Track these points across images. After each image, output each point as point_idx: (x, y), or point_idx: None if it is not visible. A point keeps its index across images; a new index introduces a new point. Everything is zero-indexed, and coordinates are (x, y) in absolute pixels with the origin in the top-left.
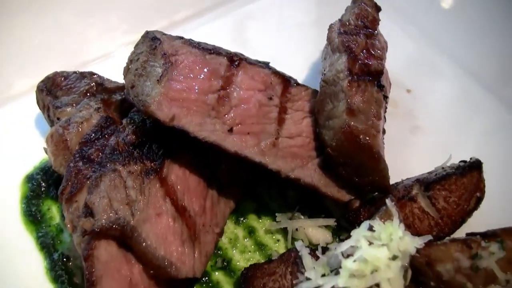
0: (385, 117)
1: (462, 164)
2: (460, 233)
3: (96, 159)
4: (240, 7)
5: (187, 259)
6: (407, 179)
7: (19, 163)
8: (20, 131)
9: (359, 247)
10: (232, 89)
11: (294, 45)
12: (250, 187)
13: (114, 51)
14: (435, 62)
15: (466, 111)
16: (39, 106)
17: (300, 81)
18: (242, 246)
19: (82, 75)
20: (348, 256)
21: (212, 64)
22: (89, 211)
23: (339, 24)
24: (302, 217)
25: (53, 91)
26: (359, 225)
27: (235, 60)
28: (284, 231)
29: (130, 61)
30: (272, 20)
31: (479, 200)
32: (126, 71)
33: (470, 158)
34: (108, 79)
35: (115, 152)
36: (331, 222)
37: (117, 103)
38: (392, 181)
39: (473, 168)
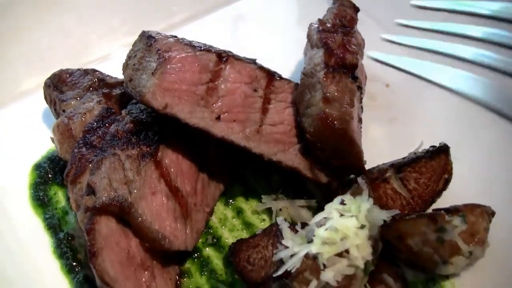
0: (362, 107)
1: (431, 148)
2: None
3: (97, 145)
4: (232, 10)
5: (179, 233)
6: (383, 164)
7: (28, 153)
8: (29, 124)
9: (331, 218)
10: (220, 81)
11: (280, 44)
12: (238, 172)
13: (114, 52)
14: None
15: (437, 104)
16: (46, 100)
17: (284, 76)
18: (231, 225)
19: (86, 72)
20: (321, 226)
21: (202, 59)
22: (91, 190)
23: (319, 22)
24: (286, 198)
25: (59, 86)
26: None
27: (223, 56)
28: (269, 211)
29: (129, 57)
30: (260, 21)
31: (447, 181)
32: (125, 66)
33: (439, 143)
34: (109, 76)
35: (115, 139)
36: (312, 203)
37: (117, 96)
38: (369, 166)
39: (441, 151)
